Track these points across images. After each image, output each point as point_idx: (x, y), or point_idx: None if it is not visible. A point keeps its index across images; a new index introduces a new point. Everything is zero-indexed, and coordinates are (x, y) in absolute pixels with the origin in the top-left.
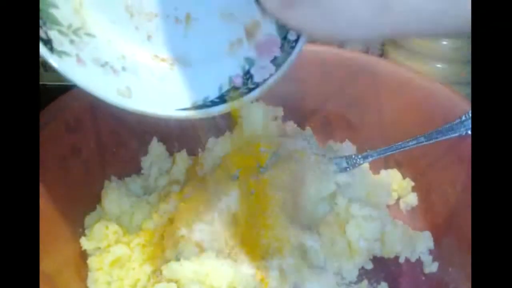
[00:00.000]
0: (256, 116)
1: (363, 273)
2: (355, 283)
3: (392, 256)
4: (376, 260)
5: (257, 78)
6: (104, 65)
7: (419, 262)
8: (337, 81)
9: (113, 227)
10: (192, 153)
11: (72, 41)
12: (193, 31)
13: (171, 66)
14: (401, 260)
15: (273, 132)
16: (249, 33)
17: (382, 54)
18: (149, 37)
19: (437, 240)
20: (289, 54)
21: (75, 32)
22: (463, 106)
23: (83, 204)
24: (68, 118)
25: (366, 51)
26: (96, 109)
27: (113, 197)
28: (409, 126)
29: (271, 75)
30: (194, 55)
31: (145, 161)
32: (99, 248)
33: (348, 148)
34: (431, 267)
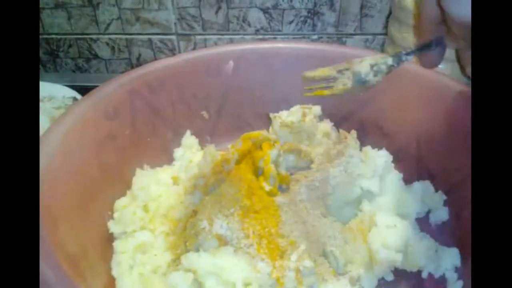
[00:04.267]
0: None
1: (382, 284)
2: None
3: (414, 269)
4: (397, 272)
5: None
6: None
7: (443, 279)
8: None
9: (140, 213)
10: (223, 148)
11: None
12: None
13: None
14: (424, 275)
15: (307, 129)
16: None
17: None
18: None
19: (464, 259)
20: None
21: None
22: None
23: (114, 189)
24: (107, 106)
25: None
26: (134, 99)
27: (143, 184)
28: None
29: None
30: None
31: (177, 153)
32: (125, 232)
33: (383, 155)
34: (455, 285)
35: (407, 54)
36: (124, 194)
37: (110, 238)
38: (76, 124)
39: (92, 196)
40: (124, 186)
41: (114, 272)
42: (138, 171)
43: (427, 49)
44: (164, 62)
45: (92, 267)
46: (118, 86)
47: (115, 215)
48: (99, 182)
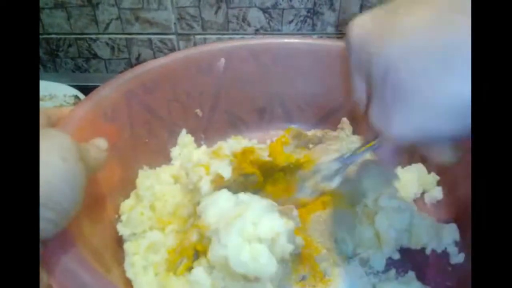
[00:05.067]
0: None
1: (390, 263)
2: (383, 272)
3: (418, 247)
4: (403, 251)
5: None
6: None
7: (445, 253)
8: None
9: (148, 214)
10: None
11: None
12: None
13: None
14: (428, 251)
15: None
16: None
17: None
18: None
19: (462, 233)
20: None
21: None
22: None
23: (118, 192)
24: (106, 108)
25: None
26: (130, 100)
27: (148, 185)
28: None
29: None
30: None
31: (174, 152)
32: (135, 234)
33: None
34: (458, 257)
35: (350, 156)
36: (127, 196)
37: (120, 241)
38: (76, 130)
39: (98, 201)
40: (126, 188)
41: (129, 274)
42: (141, 172)
43: (369, 149)
44: (157, 62)
45: (108, 271)
46: (114, 88)
47: (123, 217)
48: (103, 186)
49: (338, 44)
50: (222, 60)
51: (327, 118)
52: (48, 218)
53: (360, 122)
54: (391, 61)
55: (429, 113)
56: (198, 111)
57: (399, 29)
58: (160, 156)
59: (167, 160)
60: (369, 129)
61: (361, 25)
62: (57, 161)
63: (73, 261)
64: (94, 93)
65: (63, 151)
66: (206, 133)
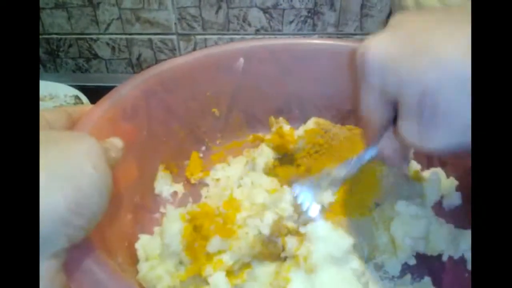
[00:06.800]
0: None
1: (406, 268)
2: (398, 277)
3: (435, 253)
4: (419, 256)
5: None
6: None
7: (462, 259)
8: None
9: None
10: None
11: None
12: None
13: None
14: (444, 258)
15: None
16: None
17: None
18: None
19: None
20: None
21: None
22: None
23: (134, 190)
24: (125, 106)
25: None
26: (150, 98)
27: (164, 184)
28: None
29: None
30: None
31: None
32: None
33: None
34: None
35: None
36: (142, 195)
37: (133, 241)
38: (95, 129)
39: (114, 199)
40: (142, 186)
41: (142, 275)
42: (158, 169)
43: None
44: (177, 61)
45: (122, 271)
46: (134, 87)
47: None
48: (120, 185)
49: (359, 45)
50: (241, 60)
51: (345, 120)
52: (79, 225)
53: (363, 130)
54: (428, 86)
55: (467, 132)
56: (215, 110)
57: (433, 54)
58: (178, 155)
59: (184, 158)
60: (373, 137)
61: (380, 48)
62: (90, 170)
63: (88, 258)
64: (114, 92)
65: (95, 159)
66: (222, 132)
